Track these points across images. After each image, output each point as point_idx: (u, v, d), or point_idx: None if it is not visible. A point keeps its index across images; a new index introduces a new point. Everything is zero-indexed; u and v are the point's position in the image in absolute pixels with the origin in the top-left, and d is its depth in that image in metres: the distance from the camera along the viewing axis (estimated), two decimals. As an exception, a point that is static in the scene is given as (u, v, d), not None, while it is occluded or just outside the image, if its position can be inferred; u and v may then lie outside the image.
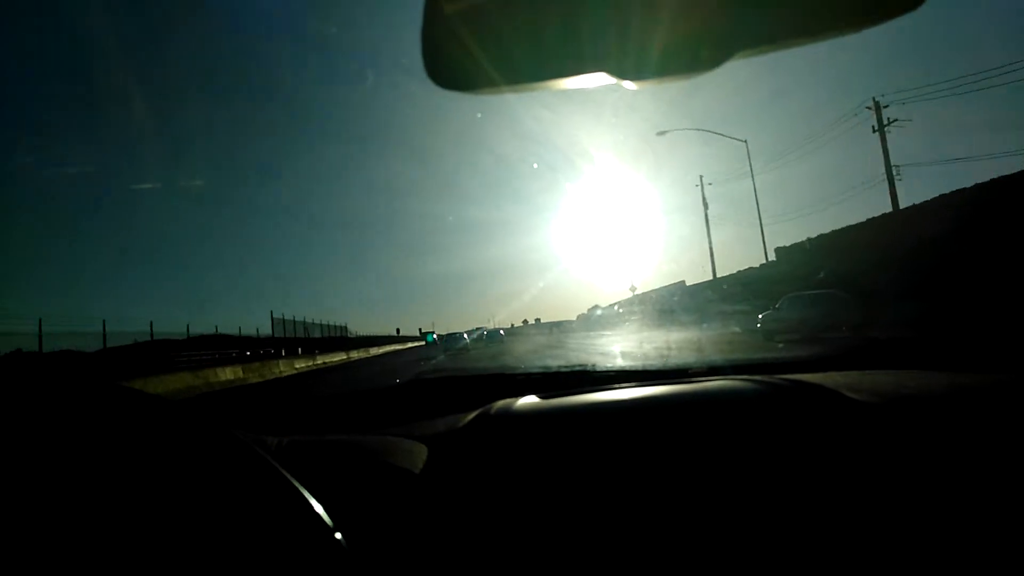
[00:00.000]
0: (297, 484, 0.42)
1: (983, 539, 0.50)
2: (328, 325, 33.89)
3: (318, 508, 0.41)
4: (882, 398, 0.67)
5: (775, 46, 0.44)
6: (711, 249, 25.14)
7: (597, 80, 0.46)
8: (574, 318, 57.94)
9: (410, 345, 51.80)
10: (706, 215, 23.83)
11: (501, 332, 34.18)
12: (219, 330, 22.98)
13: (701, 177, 24.22)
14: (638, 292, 33.84)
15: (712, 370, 1.06)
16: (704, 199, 23.20)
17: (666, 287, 32.74)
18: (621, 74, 0.45)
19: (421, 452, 0.66)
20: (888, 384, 0.76)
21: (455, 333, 34.15)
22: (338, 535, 0.40)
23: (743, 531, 0.52)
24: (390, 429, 0.76)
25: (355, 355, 28.60)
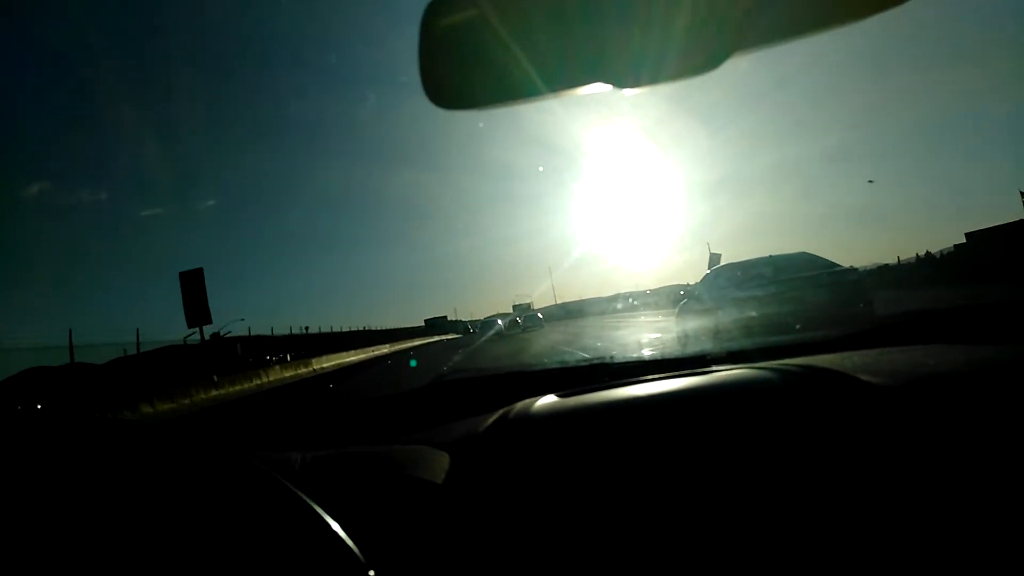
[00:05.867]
0: (328, 518, 0.43)
1: (1005, 525, 0.51)
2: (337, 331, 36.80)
3: (349, 543, 0.42)
4: (898, 379, 0.68)
5: (771, 43, 0.46)
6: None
7: (595, 89, 0.49)
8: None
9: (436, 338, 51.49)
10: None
11: (539, 316, 34.45)
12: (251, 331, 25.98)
13: None
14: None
15: (730, 356, 1.08)
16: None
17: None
18: (618, 82, 0.48)
19: (443, 461, 0.69)
20: (905, 363, 0.78)
21: (490, 318, 35.64)
22: (371, 573, 0.40)
23: (768, 528, 0.54)
24: (414, 436, 0.80)
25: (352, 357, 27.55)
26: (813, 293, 5.50)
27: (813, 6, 0.46)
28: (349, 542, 0.42)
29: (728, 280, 6.52)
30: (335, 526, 0.43)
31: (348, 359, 25.32)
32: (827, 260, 6.08)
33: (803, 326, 5.12)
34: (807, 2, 0.46)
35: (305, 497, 0.45)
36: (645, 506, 0.58)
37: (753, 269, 6.32)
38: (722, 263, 6.99)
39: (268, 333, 28.57)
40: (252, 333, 26.92)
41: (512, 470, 0.65)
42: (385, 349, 34.22)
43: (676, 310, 8.34)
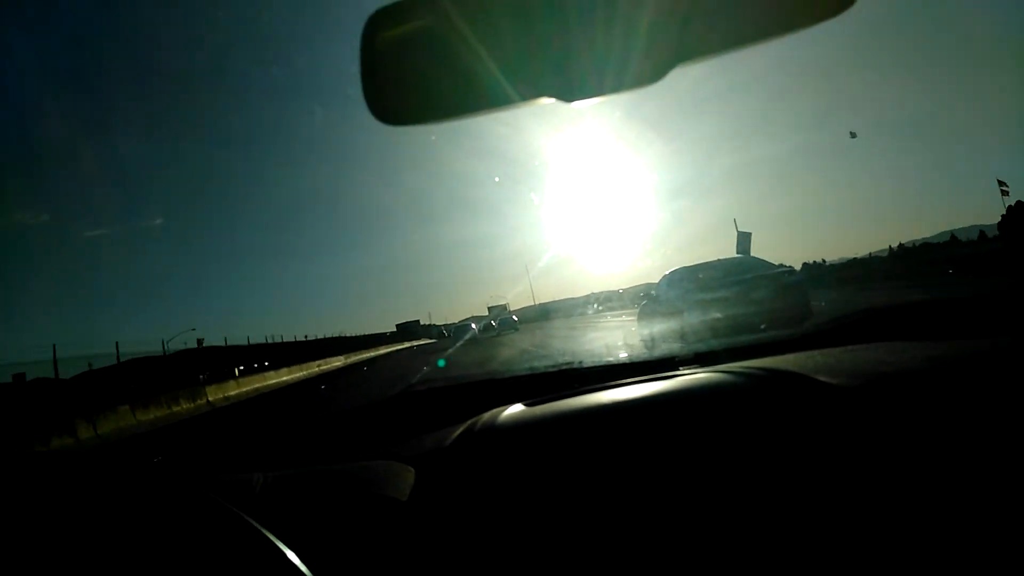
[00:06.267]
0: (282, 546, 0.43)
1: (969, 520, 0.52)
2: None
3: (304, 570, 0.41)
4: (857, 379, 0.70)
5: (714, 53, 0.48)
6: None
7: (542, 103, 0.50)
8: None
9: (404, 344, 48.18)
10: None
11: (514, 318, 35.08)
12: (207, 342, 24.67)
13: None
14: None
15: (698, 357, 1.10)
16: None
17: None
18: (564, 96, 0.49)
19: (409, 476, 0.69)
20: (866, 361, 0.80)
21: (464, 323, 34.61)
22: None
23: (737, 534, 0.54)
24: (380, 450, 0.81)
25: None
26: (759, 293, 6.05)
27: (753, 17, 0.48)
28: (304, 568, 0.42)
29: (682, 282, 6.94)
30: (291, 555, 0.42)
31: (277, 380, 19.02)
32: (768, 262, 6.69)
33: (752, 322, 5.64)
34: (747, 14, 0.48)
35: (257, 525, 0.44)
36: (613, 516, 0.57)
37: (703, 272, 6.81)
38: (680, 266, 7.36)
39: (236, 344, 27.30)
40: (204, 344, 25.70)
41: (478, 484, 0.64)
42: (337, 363, 27.64)
43: (637, 312, 8.68)
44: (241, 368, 19.88)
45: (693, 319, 6.09)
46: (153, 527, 0.44)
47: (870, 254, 28.24)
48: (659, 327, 7.07)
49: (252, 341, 29.54)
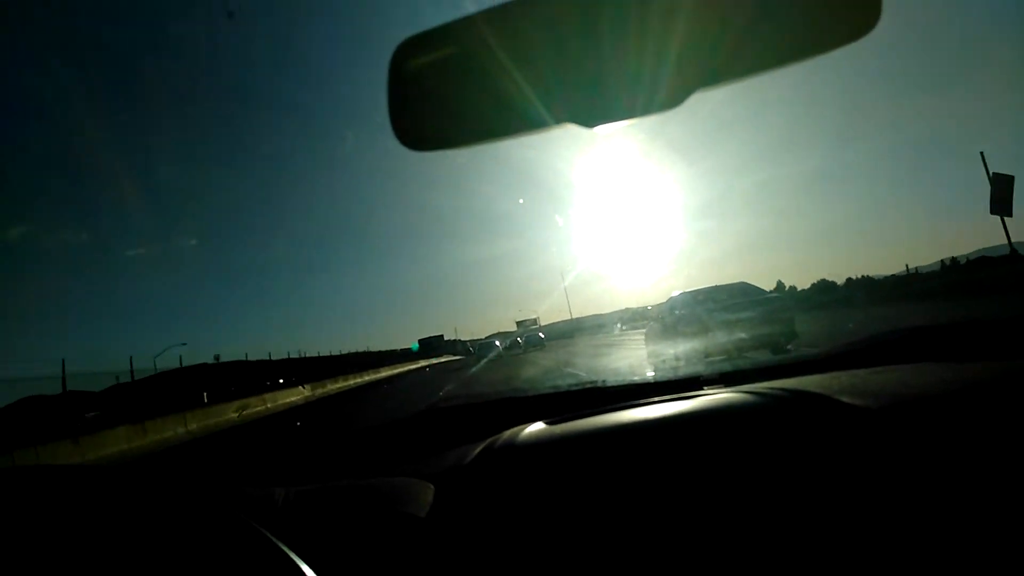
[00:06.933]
0: (301, 564, 0.44)
1: (991, 544, 0.52)
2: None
3: None
4: (881, 400, 0.70)
5: (733, 79, 0.49)
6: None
7: (566, 128, 0.52)
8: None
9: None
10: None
11: (541, 335, 34.65)
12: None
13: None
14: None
15: (724, 377, 1.09)
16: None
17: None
18: (586, 122, 0.51)
19: (428, 493, 0.69)
20: (892, 383, 0.80)
21: (489, 339, 34.45)
22: None
23: (761, 554, 0.54)
24: (401, 467, 0.82)
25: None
26: (751, 316, 6.73)
27: (773, 44, 0.49)
28: None
29: (682, 307, 7.60)
30: (308, 570, 0.44)
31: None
32: (760, 288, 7.37)
33: (743, 342, 6.33)
34: (766, 41, 0.50)
35: (276, 540, 0.46)
36: (634, 536, 0.58)
37: (702, 296, 7.47)
38: (682, 291, 7.97)
39: (266, 358, 26.89)
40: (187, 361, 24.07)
41: (497, 502, 0.65)
42: (294, 397, 18.37)
43: (644, 333, 9.35)
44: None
45: (693, 340, 6.74)
46: (172, 539, 0.46)
47: (916, 269, 26.00)
48: (664, 347, 7.67)
49: (252, 357, 28.67)
